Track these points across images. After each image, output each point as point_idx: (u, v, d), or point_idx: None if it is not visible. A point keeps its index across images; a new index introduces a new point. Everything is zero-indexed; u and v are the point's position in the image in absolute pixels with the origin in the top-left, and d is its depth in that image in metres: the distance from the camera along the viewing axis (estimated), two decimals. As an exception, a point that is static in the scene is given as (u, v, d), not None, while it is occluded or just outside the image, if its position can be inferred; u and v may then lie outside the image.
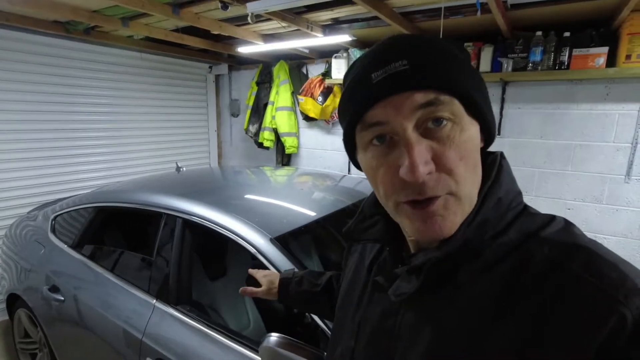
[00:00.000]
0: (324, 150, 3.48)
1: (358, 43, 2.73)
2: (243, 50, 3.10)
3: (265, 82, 3.54)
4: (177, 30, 2.78)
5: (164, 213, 1.49)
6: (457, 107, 0.41)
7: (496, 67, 2.37)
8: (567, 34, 2.13)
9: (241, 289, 0.94)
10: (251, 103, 3.64)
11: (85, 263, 1.72)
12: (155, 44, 3.19)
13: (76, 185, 3.00)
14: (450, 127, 0.40)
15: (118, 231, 1.98)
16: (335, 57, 2.92)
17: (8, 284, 2.08)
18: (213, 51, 3.48)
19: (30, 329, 2.07)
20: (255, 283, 0.95)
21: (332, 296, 0.83)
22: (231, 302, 1.64)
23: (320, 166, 3.51)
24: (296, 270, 0.97)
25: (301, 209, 1.57)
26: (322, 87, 3.11)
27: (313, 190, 1.94)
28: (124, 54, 3.19)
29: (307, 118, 3.35)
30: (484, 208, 0.42)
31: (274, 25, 2.55)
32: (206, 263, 1.72)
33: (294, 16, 2.29)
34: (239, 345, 1.17)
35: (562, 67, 2.16)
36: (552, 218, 0.43)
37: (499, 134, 2.56)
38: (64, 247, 1.85)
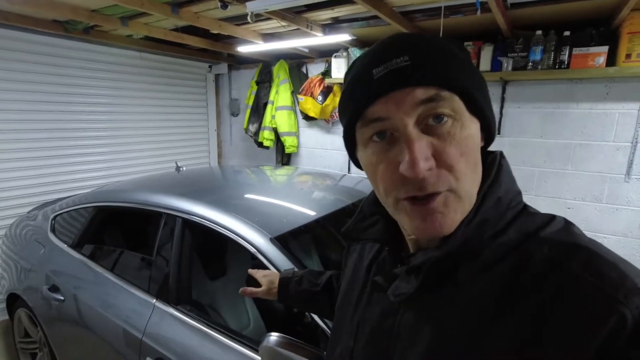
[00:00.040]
0: (323, 150, 3.48)
1: (358, 42, 2.72)
2: (243, 49, 3.09)
3: (265, 81, 3.54)
4: (176, 29, 2.77)
5: (164, 213, 1.49)
6: (458, 103, 0.41)
7: (496, 66, 2.37)
8: (567, 33, 2.13)
9: (241, 289, 0.94)
10: (251, 102, 3.63)
11: (85, 263, 1.72)
12: (154, 44, 3.19)
13: (76, 184, 3.00)
14: (450, 124, 0.40)
15: (118, 231, 1.98)
16: (335, 56, 2.92)
17: (8, 284, 2.08)
18: (213, 50, 3.48)
19: (30, 328, 2.07)
20: (255, 283, 0.95)
21: (332, 295, 0.83)
22: (231, 301, 1.64)
23: (320, 165, 3.51)
24: (296, 269, 0.97)
25: (301, 208, 1.57)
26: (322, 87, 3.11)
27: (313, 190, 1.94)
28: (124, 53, 3.19)
29: (307, 117, 3.34)
30: (483, 207, 0.42)
31: (273, 25, 2.54)
32: (206, 263, 1.72)
33: (294, 15, 2.29)
34: (239, 345, 1.17)
35: (562, 66, 2.16)
36: (551, 218, 0.43)
37: (499, 133, 2.56)
38: (64, 246, 1.85)
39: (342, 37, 2.53)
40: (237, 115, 4.04)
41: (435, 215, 0.40)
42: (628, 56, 1.97)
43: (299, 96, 3.21)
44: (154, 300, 1.40)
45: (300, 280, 0.89)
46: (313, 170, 2.87)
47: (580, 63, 2.10)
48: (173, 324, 1.31)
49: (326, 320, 1.04)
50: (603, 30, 2.09)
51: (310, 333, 1.13)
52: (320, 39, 2.60)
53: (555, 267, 0.38)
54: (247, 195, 1.76)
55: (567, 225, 0.43)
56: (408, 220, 0.43)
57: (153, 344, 1.30)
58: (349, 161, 3.37)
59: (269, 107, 3.45)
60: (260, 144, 3.59)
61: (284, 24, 2.34)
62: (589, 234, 0.41)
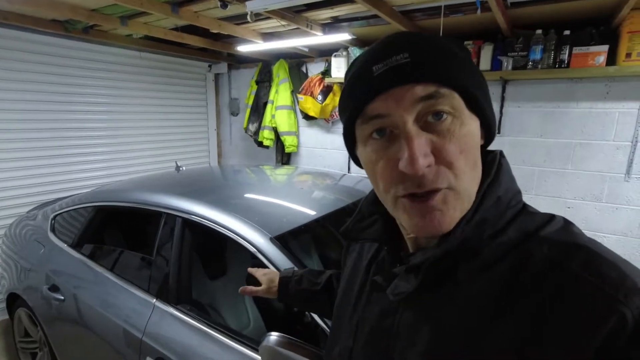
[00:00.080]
0: (323, 149, 3.48)
1: (358, 42, 2.72)
2: (242, 49, 3.09)
3: (264, 80, 3.54)
4: (176, 29, 2.77)
5: (164, 212, 1.49)
6: (458, 101, 0.41)
7: (496, 65, 2.37)
8: (567, 32, 2.12)
9: (241, 288, 0.94)
10: (251, 102, 3.63)
11: (85, 262, 1.72)
12: (154, 43, 3.19)
13: (75, 184, 3.00)
14: (450, 121, 0.40)
15: (118, 230, 1.98)
16: (335, 55, 2.92)
17: (8, 284, 2.08)
18: (212, 50, 3.47)
19: (30, 328, 2.07)
20: (255, 282, 0.95)
21: (332, 295, 0.83)
22: (231, 301, 1.64)
23: (320, 165, 3.51)
24: (296, 269, 0.97)
25: (301, 208, 1.57)
26: (321, 86, 3.10)
27: (313, 189, 1.94)
28: (123, 53, 3.19)
29: (307, 117, 3.34)
30: (483, 206, 0.42)
31: (273, 24, 2.54)
32: (206, 262, 1.72)
33: (294, 14, 2.29)
34: (239, 345, 1.17)
35: (562, 66, 2.15)
36: (551, 217, 0.43)
37: (498, 132, 2.56)
38: (64, 246, 1.85)
39: (342, 37, 2.52)
40: (237, 114, 4.04)
41: (434, 213, 0.40)
42: (628, 55, 1.97)
43: (299, 95, 3.21)
44: (154, 300, 1.40)
45: (300, 279, 0.89)
46: (313, 170, 2.87)
47: (580, 62, 2.09)
48: (173, 323, 1.31)
49: (326, 320, 1.04)
50: (603, 29, 2.09)
51: (310, 332, 1.13)
52: (320, 38, 2.60)
53: (555, 267, 0.38)
54: (247, 195, 1.76)
55: (567, 224, 0.43)
56: (407, 217, 0.43)
57: (153, 344, 1.30)
58: (349, 160, 3.38)
59: (268, 106, 3.44)
60: (260, 144, 3.59)
61: (283, 23, 2.34)
62: (589, 233, 0.41)
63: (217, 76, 4.07)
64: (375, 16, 2.30)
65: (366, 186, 1.93)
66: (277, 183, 2.13)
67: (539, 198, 2.50)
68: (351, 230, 0.55)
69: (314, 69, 3.36)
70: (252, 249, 1.21)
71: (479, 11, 1.89)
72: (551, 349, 0.34)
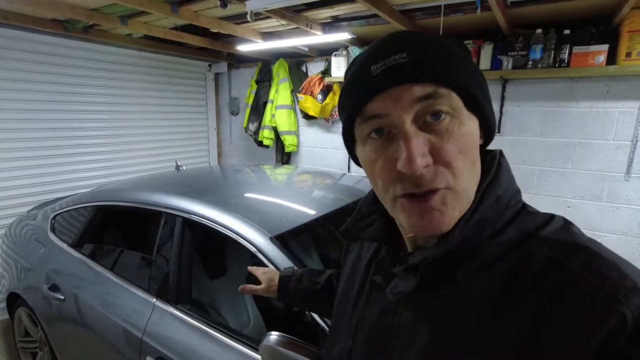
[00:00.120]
0: (323, 149, 3.48)
1: (358, 41, 2.72)
2: (242, 48, 3.09)
3: (264, 80, 3.54)
4: (176, 28, 2.77)
5: (164, 212, 1.49)
6: (456, 101, 0.41)
7: (496, 64, 2.37)
8: (567, 31, 2.12)
9: (240, 287, 0.94)
10: (251, 101, 3.63)
11: (85, 262, 1.72)
12: (154, 43, 3.18)
13: (75, 184, 3.00)
14: (448, 121, 0.40)
15: (118, 230, 1.98)
16: (335, 55, 2.91)
17: (8, 283, 2.08)
18: (212, 49, 3.47)
19: (30, 327, 2.07)
20: (255, 281, 0.95)
21: (332, 294, 0.82)
22: (231, 300, 1.64)
23: (320, 164, 3.51)
24: (296, 268, 0.97)
25: (301, 207, 1.57)
26: (321, 85, 3.10)
27: (313, 189, 1.94)
28: (123, 52, 3.19)
29: (307, 116, 3.34)
30: (482, 206, 0.42)
31: (273, 23, 2.54)
32: (206, 262, 1.72)
33: (293, 14, 2.29)
34: (239, 344, 1.17)
35: (562, 65, 2.15)
36: (551, 217, 0.43)
37: (498, 131, 2.56)
38: (64, 246, 1.85)
39: (341, 36, 2.52)
40: (237, 114, 4.04)
41: (433, 213, 0.40)
42: (628, 55, 1.97)
43: (299, 95, 3.21)
44: (154, 300, 1.41)
45: (300, 278, 0.88)
46: (313, 169, 2.87)
47: (581, 61, 2.09)
48: (173, 323, 1.31)
49: (326, 319, 1.04)
50: (603, 28, 2.09)
51: (310, 332, 1.13)
52: (319, 38, 2.60)
53: (555, 266, 0.38)
54: (247, 195, 1.76)
55: (567, 224, 0.43)
56: (405, 217, 0.42)
57: (153, 343, 1.30)
58: (349, 160, 3.38)
59: (268, 106, 3.44)
60: (260, 143, 3.59)
61: (283, 22, 2.34)
62: (589, 232, 0.41)
63: (217, 76, 4.06)
64: (375, 15, 2.30)
65: (366, 186, 1.93)
66: (277, 182, 2.13)
67: (539, 197, 2.50)
68: (350, 230, 0.55)
69: (314, 69, 3.36)
70: (252, 249, 1.21)
71: (479, 10, 1.89)
72: (551, 348, 0.34)
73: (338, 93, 3.06)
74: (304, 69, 3.45)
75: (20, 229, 2.18)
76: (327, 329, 1.04)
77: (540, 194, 2.50)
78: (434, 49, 0.41)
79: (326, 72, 3.12)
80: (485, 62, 2.38)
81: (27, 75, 2.66)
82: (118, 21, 2.43)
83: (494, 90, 2.51)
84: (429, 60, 0.40)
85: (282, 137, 3.45)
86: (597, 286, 0.35)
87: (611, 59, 2.05)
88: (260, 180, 2.15)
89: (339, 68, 2.91)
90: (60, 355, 1.78)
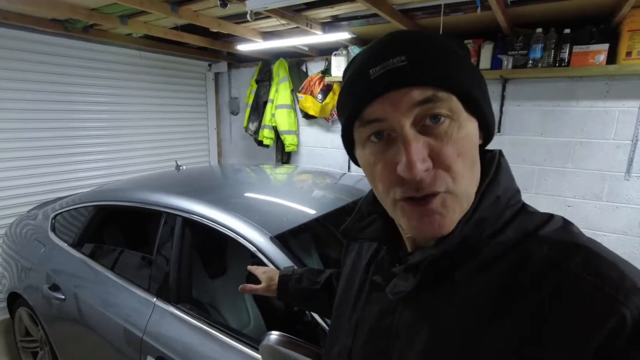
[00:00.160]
0: (323, 148, 3.48)
1: (357, 40, 2.72)
2: (242, 48, 3.08)
3: (264, 80, 3.54)
4: (176, 28, 2.77)
5: (164, 211, 1.49)
6: (455, 103, 0.40)
7: (496, 64, 2.36)
8: (567, 30, 2.12)
9: (240, 286, 0.94)
10: (251, 101, 3.63)
11: (86, 262, 1.72)
12: (154, 42, 3.18)
13: (76, 184, 3.00)
14: (448, 124, 0.40)
15: (118, 230, 1.98)
16: (335, 54, 2.91)
17: (9, 283, 2.08)
18: (212, 49, 3.47)
19: (31, 327, 2.07)
20: (256, 280, 0.95)
21: (331, 294, 0.82)
22: (231, 300, 1.64)
23: (320, 164, 3.51)
24: (295, 267, 0.97)
25: (301, 207, 1.57)
26: (321, 85, 3.10)
27: (313, 188, 1.94)
28: (123, 52, 3.19)
29: (307, 116, 3.34)
30: (481, 206, 0.42)
31: (273, 23, 2.54)
32: (206, 261, 1.72)
33: (293, 13, 2.28)
34: (240, 344, 1.17)
35: (562, 64, 2.15)
36: (550, 217, 0.43)
37: (498, 131, 2.56)
38: (64, 245, 1.85)
39: (341, 35, 2.52)
40: (237, 113, 4.04)
41: (433, 216, 0.40)
42: (628, 54, 1.97)
43: (299, 94, 3.21)
44: (155, 299, 1.41)
45: (300, 278, 0.88)
46: (313, 169, 2.87)
47: (581, 61, 2.09)
48: (173, 322, 1.31)
49: (326, 319, 1.04)
50: (603, 27, 2.09)
51: (310, 331, 1.13)
52: (319, 37, 2.60)
53: (555, 266, 0.38)
54: (247, 194, 1.76)
55: (566, 224, 0.43)
56: (406, 220, 0.43)
57: (154, 343, 1.30)
58: (349, 159, 3.37)
59: (268, 105, 3.44)
60: (260, 143, 3.59)
61: (283, 22, 2.33)
62: (589, 232, 0.41)
63: (217, 75, 4.06)
64: (375, 15, 2.29)
65: (366, 185, 1.93)
66: (277, 182, 2.13)
67: (539, 197, 2.50)
68: (350, 230, 0.55)
69: (314, 68, 3.36)
70: (252, 248, 1.21)
71: (479, 10, 1.89)
72: (550, 348, 0.34)
73: (338, 92, 3.06)
74: (304, 68, 3.45)
75: (21, 229, 2.18)
76: (327, 328, 1.04)
77: (541, 193, 2.50)
78: (434, 49, 0.41)
79: (326, 71, 3.12)
80: (485, 62, 2.38)
81: (27, 75, 2.66)
82: (118, 21, 2.43)
83: (494, 90, 2.51)
84: (428, 61, 0.40)
85: (282, 137, 3.45)
86: (597, 286, 0.35)
87: (611, 58, 2.05)
88: (260, 180, 2.15)
89: (339, 67, 2.91)
90: (61, 354, 1.79)
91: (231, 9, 2.11)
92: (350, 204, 1.62)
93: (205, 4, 2.19)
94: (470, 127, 0.42)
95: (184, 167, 2.23)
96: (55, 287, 1.71)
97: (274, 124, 3.44)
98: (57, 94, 2.82)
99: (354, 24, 2.48)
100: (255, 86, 3.61)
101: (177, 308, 1.34)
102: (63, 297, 1.66)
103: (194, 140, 3.96)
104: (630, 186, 2.23)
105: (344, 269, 0.67)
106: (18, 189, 2.73)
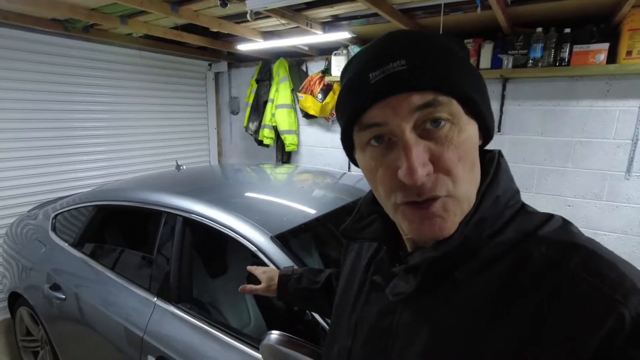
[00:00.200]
0: (324, 148, 3.48)
1: (358, 40, 2.72)
2: (242, 47, 3.08)
3: (264, 79, 3.53)
4: (176, 27, 2.77)
5: (164, 211, 1.49)
6: (456, 107, 0.40)
7: (496, 63, 2.36)
8: (567, 30, 2.12)
9: (240, 287, 0.94)
10: (251, 101, 3.63)
11: (86, 261, 1.72)
12: (154, 42, 3.18)
13: (76, 183, 3.00)
14: (448, 128, 0.40)
15: (118, 229, 1.98)
16: (335, 54, 2.91)
17: (9, 283, 2.09)
18: (212, 49, 3.47)
19: (31, 327, 2.08)
20: (256, 281, 0.95)
21: (331, 294, 0.83)
22: (232, 299, 1.64)
23: (321, 164, 3.51)
24: (295, 267, 0.97)
25: (301, 206, 1.57)
26: (321, 85, 3.10)
27: (313, 188, 1.94)
28: (123, 52, 3.19)
29: (307, 115, 3.34)
30: (481, 207, 0.42)
31: (273, 23, 2.54)
32: (207, 261, 1.72)
33: (293, 13, 2.28)
34: (240, 343, 1.17)
35: (563, 64, 2.15)
36: (549, 217, 0.43)
37: (499, 130, 2.55)
38: (65, 245, 1.85)
39: (341, 35, 2.52)
40: (237, 113, 4.04)
41: (434, 220, 0.41)
42: (629, 53, 1.97)
43: (299, 94, 3.21)
44: (155, 299, 1.41)
45: (300, 278, 0.89)
46: (313, 169, 2.87)
47: (581, 60, 2.09)
48: (174, 322, 1.31)
49: (326, 319, 1.04)
50: (604, 27, 2.09)
51: (310, 331, 1.13)
52: (320, 37, 2.59)
53: (554, 266, 0.38)
54: (247, 194, 1.76)
55: (565, 224, 0.43)
56: (407, 223, 0.43)
57: (154, 342, 1.30)
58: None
59: (269, 105, 3.44)
60: (260, 142, 3.59)
61: (283, 21, 2.33)
62: (589, 231, 0.41)
63: (217, 75, 4.06)
64: (375, 14, 2.29)
65: (366, 185, 1.91)
66: (278, 182, 2.13)
67: (539, 196, 2.50)
68: (350, 230, 0.55)
69: (314, 68, 3.36)
70: (253, 248, 1.21)
71: (479, 9, 1.89)
72: (549, 348, 0.34)
73: (338, 92, 3.06)
74: (304, 68, 3.45)
75: (21, 229, 2.19)
76: (327, 328, 1.04)
77: (541, 192, 2.50)
78: (434, 50, 0.41)
79: (326, 71, 3.11)
80: (485, 61, 2.38)
81: (27, 75, 2.66)
82: (118, 21, 2.43)
83: (494, 89, 2.51)
84: (428, 64, 0.40)
85: (282, 137, 3.45)
86: (596, 286, 0.35)
87: (612, 57, 2.05)
88: (261, 180, 2.15)
89: (339, 67, 2.91)
90: (62, 354, 1.79)
91: (231, 8, 2.11)
92: (350, 203, 1.62)
93: (206, 3, 2.19)
94: (470, 129, 0.42)
95: (184, 167, 2.23)
96: (55, 287, 1.71)
97: (274, 124, 3.44)
98: (57, 94, 2.82)
99: (354, 24, 2.48)
100: (255, 86, 3.61)
101: (178, 308, 1.34)
102: (64, 296, 1.67)
103: (194, 140, 3.96)
104: (631, 186, 2.23)
105: (343, 269, 0.67)
106: (18, 189, 2.73)
